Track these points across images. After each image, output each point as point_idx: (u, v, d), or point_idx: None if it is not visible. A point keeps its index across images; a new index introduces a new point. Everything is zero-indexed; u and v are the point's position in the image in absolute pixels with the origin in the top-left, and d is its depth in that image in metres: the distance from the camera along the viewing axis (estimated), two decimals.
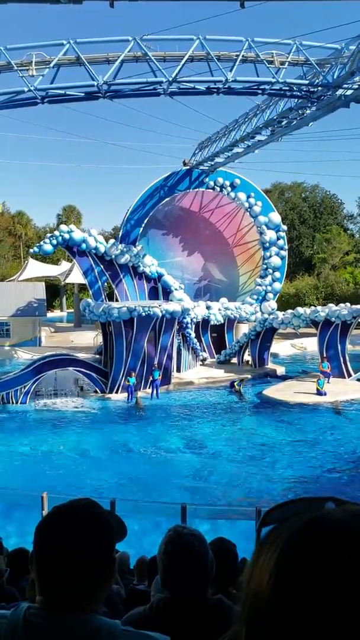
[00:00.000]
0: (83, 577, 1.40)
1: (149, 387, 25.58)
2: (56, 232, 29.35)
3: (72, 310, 53.95)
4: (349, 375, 27.36)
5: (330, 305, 29.32)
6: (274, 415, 22.71)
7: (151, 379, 25.35)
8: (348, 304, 28.49)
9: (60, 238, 28.95)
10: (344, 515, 0.77)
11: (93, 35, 22.86)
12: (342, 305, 28.37)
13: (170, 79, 20.91)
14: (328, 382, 25.68)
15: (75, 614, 1.37)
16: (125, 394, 24.77)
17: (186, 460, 17.77)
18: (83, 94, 21.79)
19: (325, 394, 24.22)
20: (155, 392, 25.24)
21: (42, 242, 29.70)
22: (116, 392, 25.21)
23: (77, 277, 42.58)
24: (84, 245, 29.28)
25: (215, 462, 17.62)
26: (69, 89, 21.50)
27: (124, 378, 25.06)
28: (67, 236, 28.93)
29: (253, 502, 13.48)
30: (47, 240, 29.19)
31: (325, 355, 27.02)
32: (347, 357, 27.73)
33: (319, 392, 24.32)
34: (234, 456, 18.11)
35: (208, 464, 17.47)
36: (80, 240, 29.15)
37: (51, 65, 20.68)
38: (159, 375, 25.44)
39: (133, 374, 24.82)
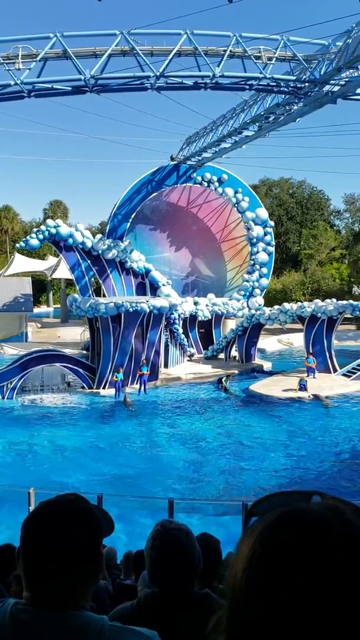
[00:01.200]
0: (70, 572, 1.40)
1: (137, 383, 25.58)
2: (43, 227, 29.21)
3: (58, 305, 53.65)
4: (335, 371, 27.54)
5: (317, 300, 29.48)
6: (260, 410, 22.81)
7: (139, 374, 25.35)
8: (334, 300, 28.66)
9: (46, 233, 28.80)
10: (319, 509, 0.77)
11: (80, 29, 22.73)
12: (328, 300, 28.53)
13: (158, 73, 20.83)
14: (314, 377, 25.83)
15: (63, 610, 1.36)
16: (113, 390, 24.74)
17: (174, 456, 17.79)
18: (70, 88, 21.63)
19: (305, 390, 24.16)
20: (143, 387, 25.24)
21: (28, 237, 29.52)
22: (104, 388, 25.16)
23: (63, 272, 42.38)
24: (70, 240, 29.16)
25: (203, 457, 17.67)
26: (56, 82, 21.35)
27: (111, 374, 25.01)
28: (53, 231, 28.79)
29: (241, 495, 13.54)
30: (33, 235, 29.03)
31: (311, 351, 27.18)
32: (332, 353, 27.90)
33: (300, 388, 24.26)
34: (222, 451, 18.17)
35: (196, 459, 17.51)
36: (67, 235, 29.02)
37: (38, 58, 20.51)
38: (147, 370, 25.43)
39: (121, 369, 24.79)
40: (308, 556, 0.72)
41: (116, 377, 24.57)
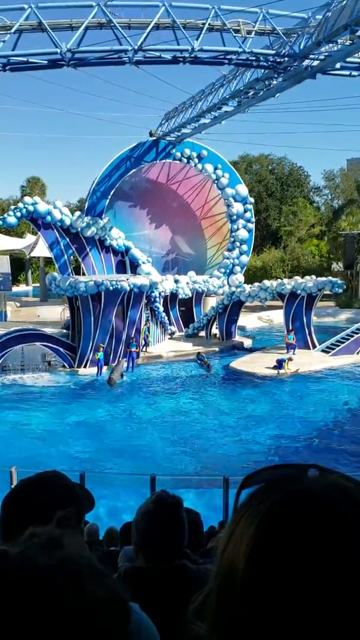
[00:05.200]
0: None
1: (125, 360, 25.58)
2: (20, 204, 28.72)
3: (38, 284, 53.07)
4: (314, 347, 27.84)
5: (296, 277, 29.64)
6: (241, 386, 23.04)
7: (128, 351, 25.38)
8: (313, 277, 28.83)
9: (24, 210, 28.36)
10: (327, 489, 0.73)
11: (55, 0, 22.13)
12: (307, 277, 28.69)
13: (136, 47, 20.45)
14: (294, 354, 26.06)
15: None
16: (95, 369, 24.72)
17: (158, 432, 17.93)
18: (46, 62, 21.14)
19: (280, 369, 24.34)
20: (131, 364, 25.33)
21: (5, 215, 29.03)
22: (84, 367, 25.14)
23: (42, 250, 41.80)
24: (49, 218, 28.77)
25: (185, 433, 17.83)
26: (31, 56, 20.84)
27: (92, 353, 24.98)
28: (31, 208, 28.36)
29: (222, 470, 13.73)
30: (10, 213, 28.55)
31: (291, 328, 27.40)
32: (312, 329, 28.18)
33: (277, 366, 24.45)
34: (204, 427, 18.35)
35: (179, 435, 17.67)
36: (45, 213, 28.62)
37: (12, 30, 19.96)
38: (137, 348, 25.52)
39: (101, 348, 24.75)
40: (323, 541, 0.67)
41: (98, 356, 24.56)
